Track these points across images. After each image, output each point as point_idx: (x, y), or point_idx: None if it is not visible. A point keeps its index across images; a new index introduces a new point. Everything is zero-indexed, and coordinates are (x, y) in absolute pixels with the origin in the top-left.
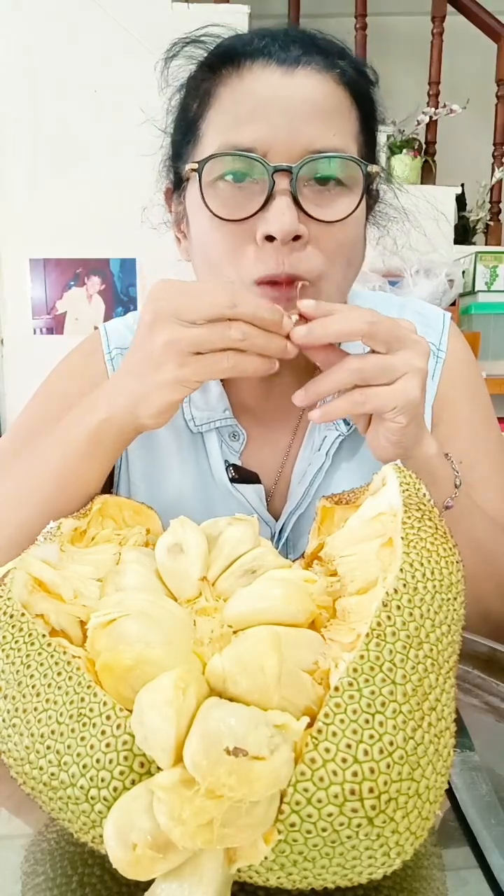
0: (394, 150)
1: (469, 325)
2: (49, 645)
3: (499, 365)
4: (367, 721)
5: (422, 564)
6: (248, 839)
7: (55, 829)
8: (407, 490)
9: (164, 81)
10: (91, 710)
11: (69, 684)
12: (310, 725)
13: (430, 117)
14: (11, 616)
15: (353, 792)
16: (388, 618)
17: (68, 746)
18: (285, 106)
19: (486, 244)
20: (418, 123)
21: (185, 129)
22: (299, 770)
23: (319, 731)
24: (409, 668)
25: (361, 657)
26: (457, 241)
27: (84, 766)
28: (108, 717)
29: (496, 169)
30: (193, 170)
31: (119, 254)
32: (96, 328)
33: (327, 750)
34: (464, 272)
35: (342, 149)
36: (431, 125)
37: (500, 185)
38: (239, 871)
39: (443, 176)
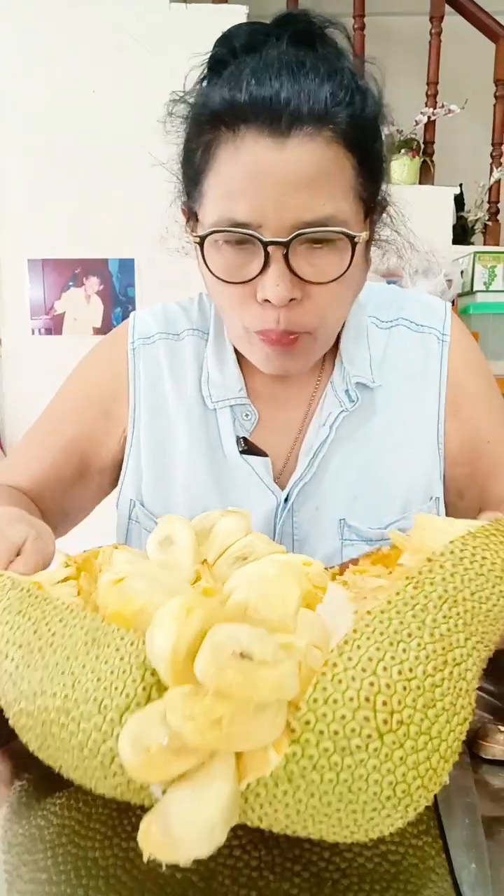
0: (392, 150)
1: (467, 325)
2: (64, 602)
3: (497, 365)
4: (391, 644)
5: (484, 548)
6: (256, 744)
7: (54, 829)
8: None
9: (168, 126)
10: (106, 634)
11: (84, 622)
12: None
13: (429, 117)
14: (28, 590)
15: (367, 699)
16: (430, 570)
17: (83, 665)
18: (276, 180)
19: (484, 244)
20: (416, 123)
21: (192, 176)
22: (321, 671)
23: (346, 642)
24: (441, 617)
25: (397, 594)
26: (455, 241)
27: (98, 679)
28: (122, 637)
29: (494, 169)
30: (196, 242)
31: (117, 254)
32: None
33: (350, 658)
34: (462, 272)
35: (332, 215)
36: (430, 125)
37: (498, 185)
38: (246, 800)
39: (441, 176)
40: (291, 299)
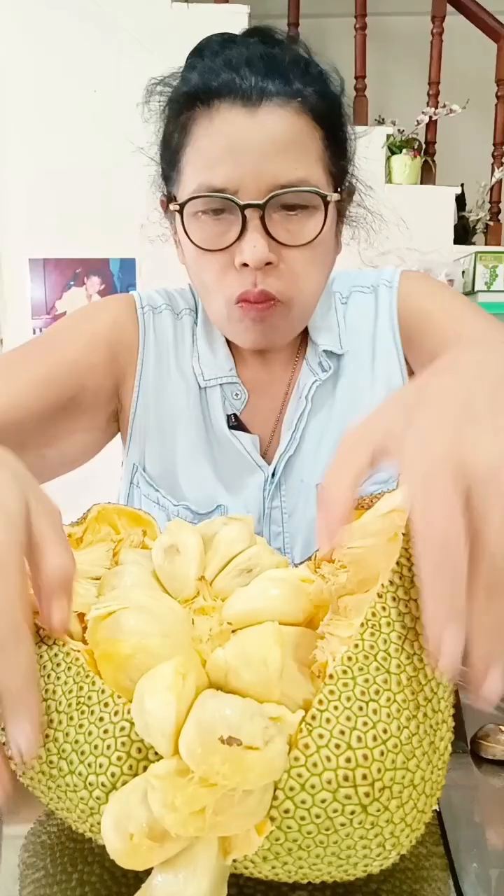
0: (393, 150)
1: None
2: (48, 638)
3: None
4: (360, 708)
5: None
6: (241, 828)
7: (54, 823)
8: None
9: (147, 114)
10: (89, 697)
11: (67, 674)
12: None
13: (430, 117)
14: None
15: (346, 778)
16: (384, 608)
17: (66, 734)
18: (251, 146)
19: (485, 244)
20: (418, 123)
21: (169, 159)
22: (293, 756)
23: (314, 718)
24: (404, 659)
25: (356, 646)
26: (456, 241)
27: (82, 753)
28: (105, 705)
29: (496, 169)
30: (177, 210)
31: (118, 254)
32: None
33: (321, 736)
34: (463, 272)
35: (305, 179)
36: (431, 125)
37: (499, 185)
38: (235, 862)
39: (442, 176)
40: (268, 263)
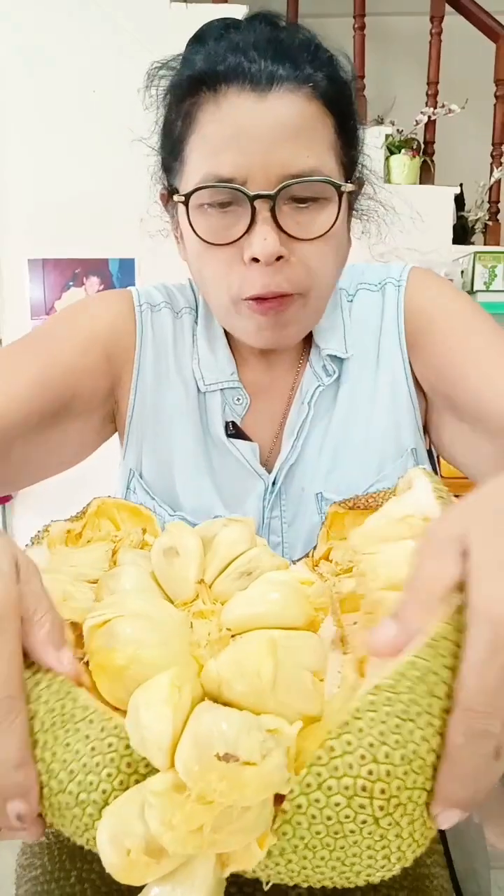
0: (392, 150)
1: None
2: (25, 659)
3: None
4: (397, 726)
5: None
6: (240, 844)
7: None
8: (441, 497)
9: (148, 101)
10: (73, 715)
11: (49, 692)
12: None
13: (429, 117)
14: None
15: (364, 788)
16: (444, 637)
17: (54, 754)
18: (260, 133)
19: (484, 244)
20: (417, 123)
21: (171, 148)
22: (316, 755)
23: (346, 723)
24: (453, 685)
25: (412, 663)
26: (455, 241)
27: (71, 772)
28: (90, 721)
29: (495, 169)
30: (181, 201)
31: (118, 254)
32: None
33: (349, 743)
34: (462, 272)
35: (317, 168)
36: (430, 125)
37: (498, 185)
38: None
39: (441, 176)
40: (279, 258)
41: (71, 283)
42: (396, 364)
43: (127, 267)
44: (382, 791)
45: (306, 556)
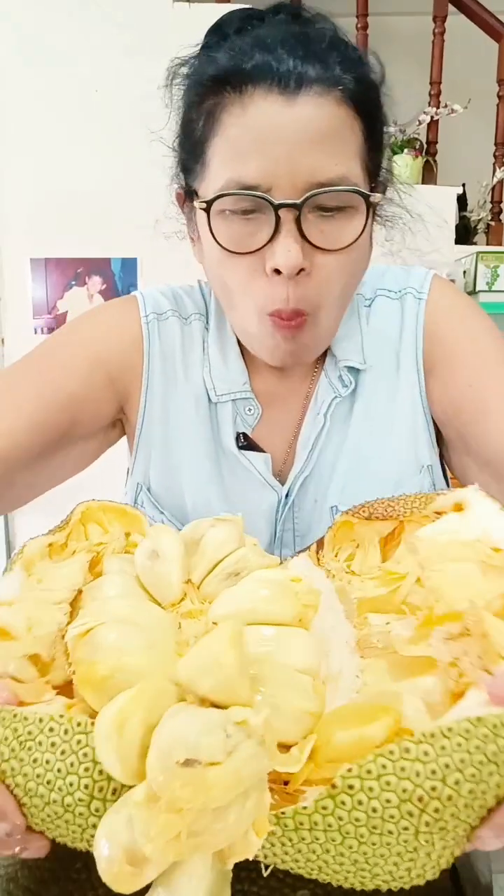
0: (395, 149)
1: None
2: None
3: None
4: (480, 763)
5: None
6: (228, 840)
7: None
8: None
9: (167, 100)
10: (29, 732)
11: (14, 721)
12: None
13: (432, 117)
14: None
15: (420, 799)
16: None
17: (25, 775)
18: (287, 139)
19: (487, 244)
20: (419, 123)
21: (192, 148)
22: (389, 748)
23: (432, 735)
24: None
25: (499, 717)
26: (458, 241)
27: (48, 783)
28: (50, 730)
29: (497, 169)
30: (202, 208)
31: (120, 253)
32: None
33: (426, 753)
34: (465, 272)
35: (345, 176)
36: (432, 125)
37: (501, 185)
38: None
39: (444, 176)
40: (301, 270)
41: (73, 283)
42: (413, 379)
43: (129, 266)
44: (436, 810)
45: (307, 548)
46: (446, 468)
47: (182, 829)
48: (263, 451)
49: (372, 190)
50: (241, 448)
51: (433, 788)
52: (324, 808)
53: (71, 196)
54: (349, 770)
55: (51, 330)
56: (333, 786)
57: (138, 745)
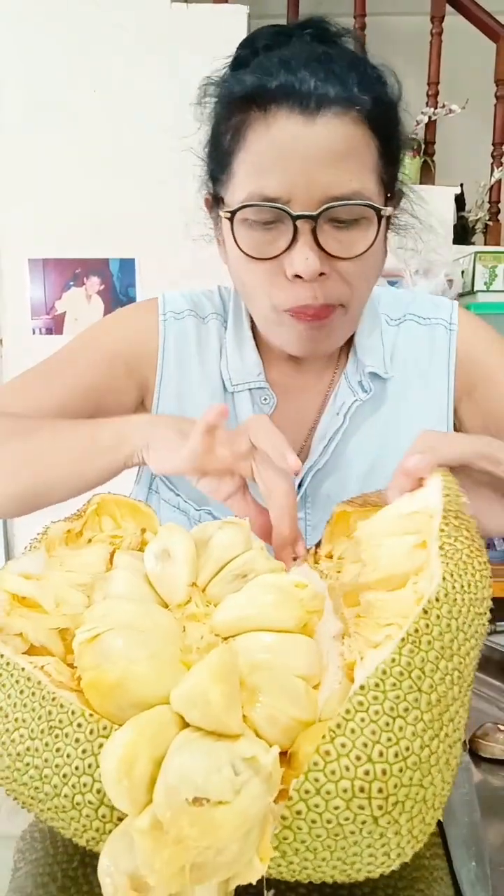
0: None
1: None
2: (8, 664)
3: None
4: (387, 724)
5: (460, 576)
6: (229, 873)
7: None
8: (448, 496)
9: (199, 115)
10: (60, 720)
11: (33, 700)
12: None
13: (430, 117)
14: None
15: (362, 790)
16: (427, 626)
17: (45, 760)
18: (306, 155)
19: (485, 244)
20: (417, 123)
21: (219, 160)
22: (313, 760)
23: (338, 726)
24: (437, 679)
25: (393, 660)
26: (456, 241)
27: (64, 776)
28: (79, 725)
29: (495, 169)
30: (227, 217)
31: (118, 254)
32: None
33: (343, 745)
34: (463, 272)
35: (359, 191)
36: (430, 125)
37: (499, 185)
38: None
39: (442, 176)
40: (321, 273)
41: (71, 283)
42: (442, 402)
43: (127, 267)
44: (380, 790)
45: (306, 551)
46: None
47: (186, 863)
48: None
49: (387, 199)
50: None
51: (366, 773)
52: (285, 838)
53: (69, 197)
54: (290, 799)
55: (49, 330)
56: (284, 818)
57: (147, 782)
